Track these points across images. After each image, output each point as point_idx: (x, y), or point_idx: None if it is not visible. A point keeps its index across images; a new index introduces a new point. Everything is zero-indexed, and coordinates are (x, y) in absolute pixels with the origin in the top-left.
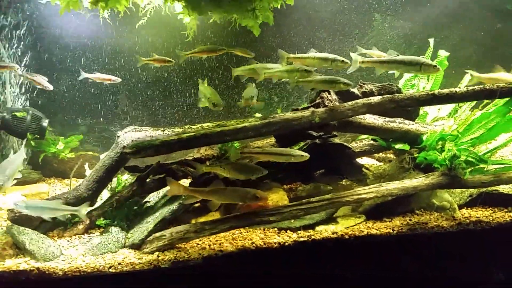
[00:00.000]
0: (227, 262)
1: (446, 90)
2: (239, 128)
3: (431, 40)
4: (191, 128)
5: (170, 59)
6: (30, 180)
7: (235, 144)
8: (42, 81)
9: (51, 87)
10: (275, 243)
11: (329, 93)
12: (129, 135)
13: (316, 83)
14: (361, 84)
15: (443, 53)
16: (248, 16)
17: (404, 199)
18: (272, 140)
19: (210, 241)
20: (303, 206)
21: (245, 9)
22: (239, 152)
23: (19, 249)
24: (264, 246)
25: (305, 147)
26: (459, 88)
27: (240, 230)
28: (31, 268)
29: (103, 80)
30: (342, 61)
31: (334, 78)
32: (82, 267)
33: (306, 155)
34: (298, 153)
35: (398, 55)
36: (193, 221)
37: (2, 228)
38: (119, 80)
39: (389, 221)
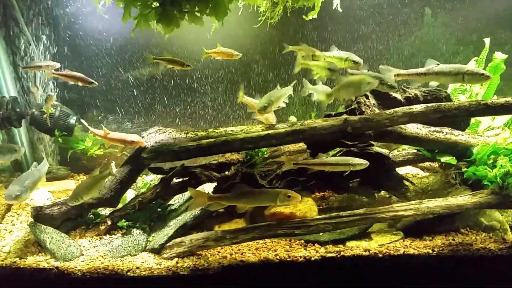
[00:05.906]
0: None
1: (501, 100)
2: (262, 136)
3: (487, 40)
4: (214, 132)
5: (188, 64)
6: (59, 176)
7: (262, 149)
8: (48, 62)
9: (58, 65)
10: (300, 256)
11: (367, 98)
12: (152, 137)
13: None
14: (405, 89)
15: (499, 56)
16: None
17: (448, 216)
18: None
19: (232, 249)
20: (332, 220)
21: None
22: (293, 163)
23: (41, 247)
24: (288, 259)
25: (338, 155)
26: None
27: (264, 240)
28: (51, 267)
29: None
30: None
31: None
32: (100, 269)
33: (366, 162)
34: (357, 161)
35: (438, 64)
36: (217, 228)
37: (27, 225)
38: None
39: (430, 240)
